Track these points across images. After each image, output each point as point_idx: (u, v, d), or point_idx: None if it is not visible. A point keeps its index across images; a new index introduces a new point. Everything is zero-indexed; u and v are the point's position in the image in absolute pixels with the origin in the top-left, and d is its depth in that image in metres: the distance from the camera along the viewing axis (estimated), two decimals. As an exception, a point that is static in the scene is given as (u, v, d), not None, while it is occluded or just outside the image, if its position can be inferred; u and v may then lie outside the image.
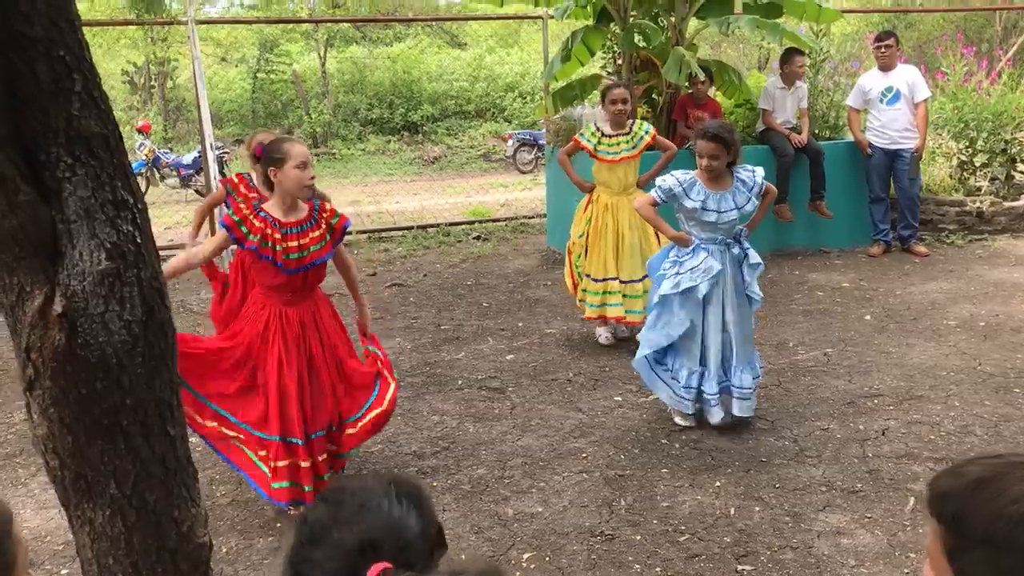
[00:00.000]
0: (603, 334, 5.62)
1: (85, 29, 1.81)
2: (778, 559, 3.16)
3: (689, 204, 4.00)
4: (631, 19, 7.10)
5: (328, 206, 3.60)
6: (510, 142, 15.88)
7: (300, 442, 3.43)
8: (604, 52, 7.46)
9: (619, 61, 7.36)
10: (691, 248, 4.10)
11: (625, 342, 5.54)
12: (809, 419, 4.35)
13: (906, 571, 3.06)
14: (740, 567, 3.12)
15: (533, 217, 9.85)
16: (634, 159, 5.32)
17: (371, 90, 19.77)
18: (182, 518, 2.02)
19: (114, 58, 18.96)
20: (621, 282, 5.34)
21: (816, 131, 7.85)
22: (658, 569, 3.13)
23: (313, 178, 3.40)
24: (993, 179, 8.32)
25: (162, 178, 13.89)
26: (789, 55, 7.37)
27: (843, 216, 7.63)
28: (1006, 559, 1.06)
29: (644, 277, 5.11)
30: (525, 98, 19.84)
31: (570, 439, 4.22)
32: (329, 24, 20.05)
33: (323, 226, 3.46)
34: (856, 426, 4.24)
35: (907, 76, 7.42)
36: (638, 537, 3.34)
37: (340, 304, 4.23)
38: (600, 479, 3.81)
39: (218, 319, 4.50)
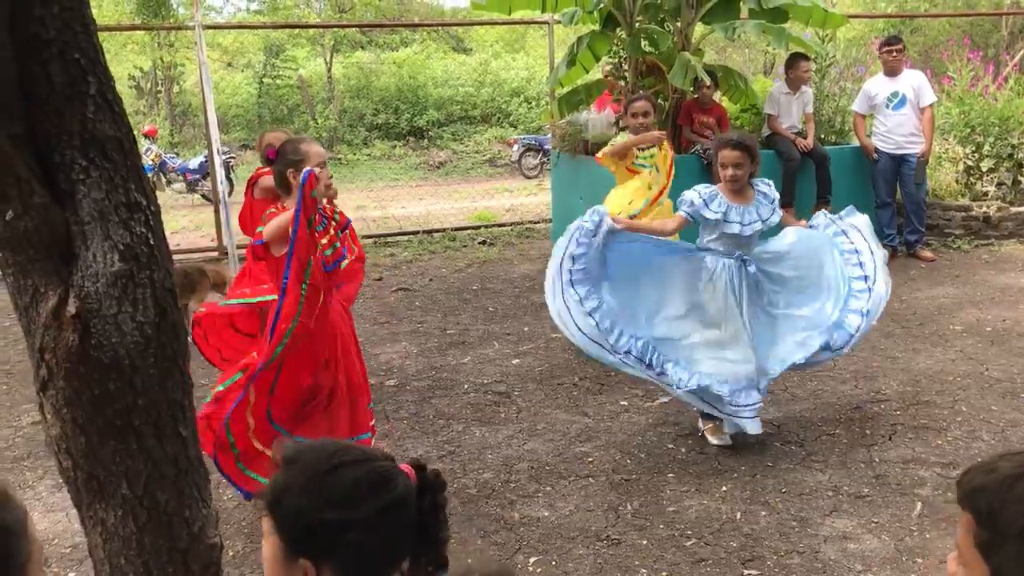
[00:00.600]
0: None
1: (91, 33, 1.83)
2: (785, 564, 3.16)
3: (710, 215, 3.96)
4: (637, 24, 7.11)
5: (327, 205, 3.61)
6: (516, 147, 15.87)
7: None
8: (610, 57, 7.47)
9: (625, 66, 7.38)
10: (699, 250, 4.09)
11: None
12: (815, 424, 4.35)
13: (913, 576, 3.06)
14: (746, 572, 3.12)
15: (539, 222, 9.88)
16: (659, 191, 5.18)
17: (377, 95, 19.80)
18: (193, 519, 2.03)
19: (121, 63, 18.98)
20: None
21: (822, 136, 7.84)
22: (664, 573, 3.13)
23: (331, 177, 3.41)
24: (1000, 184, 8.31)
25: (168, 183, 13.92)
26: (794, 60, 7.38)
27: (849, 221, 7.62)
28: None
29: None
30: (531, 103, 19.85)
31: (576, 443, 4.23)
32: (335, 29, 20.11)
33: (332, 226, 3.48)
34: (862, 431, 4.24)
35: (913, 81, 7.42)
36: (644, 542, 3.34)
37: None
38: (606, 483, 3.81)
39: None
